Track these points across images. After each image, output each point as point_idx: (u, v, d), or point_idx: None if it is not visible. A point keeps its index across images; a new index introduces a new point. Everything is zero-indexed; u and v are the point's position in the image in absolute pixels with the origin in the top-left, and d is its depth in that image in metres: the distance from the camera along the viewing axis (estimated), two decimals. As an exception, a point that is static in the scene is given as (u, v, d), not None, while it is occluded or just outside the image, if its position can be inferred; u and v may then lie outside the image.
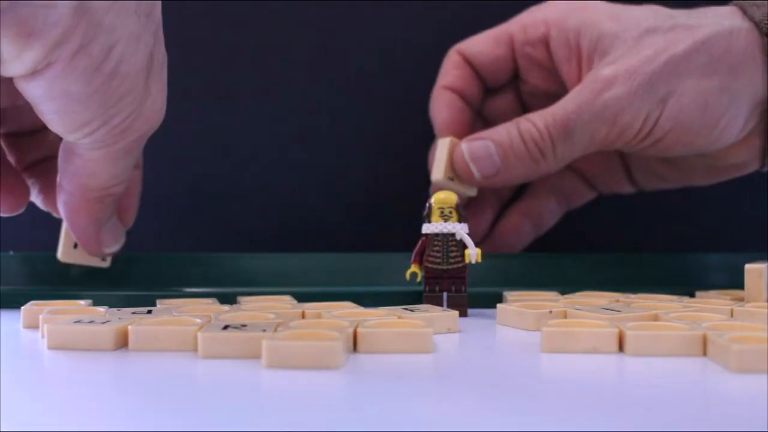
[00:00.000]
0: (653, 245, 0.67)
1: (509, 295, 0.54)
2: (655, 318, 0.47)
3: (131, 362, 0.37)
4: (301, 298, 0.52)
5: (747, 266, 0.51)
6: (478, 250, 0.51)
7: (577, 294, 0.55)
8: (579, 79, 0.57)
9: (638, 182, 0.64)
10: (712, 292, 0.56)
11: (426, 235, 0.52)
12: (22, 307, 0.47)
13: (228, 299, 0.52)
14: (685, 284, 0.58)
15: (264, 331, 0.38)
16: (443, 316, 0.45)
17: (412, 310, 0.46)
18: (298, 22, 0.70)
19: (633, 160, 0.63)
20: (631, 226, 0.70)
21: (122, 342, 0.40)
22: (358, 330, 0.39)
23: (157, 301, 0.50)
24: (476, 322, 0.49)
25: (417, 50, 0.71)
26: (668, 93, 0.54)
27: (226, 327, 0.39)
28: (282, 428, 0.27)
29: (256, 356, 0.36)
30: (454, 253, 0.51)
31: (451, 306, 0.51)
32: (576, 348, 0.39)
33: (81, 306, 0.48)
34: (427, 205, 0.52)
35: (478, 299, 0.54)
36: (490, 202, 0.64)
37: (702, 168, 0.61)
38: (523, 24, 0.60)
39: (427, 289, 0.52)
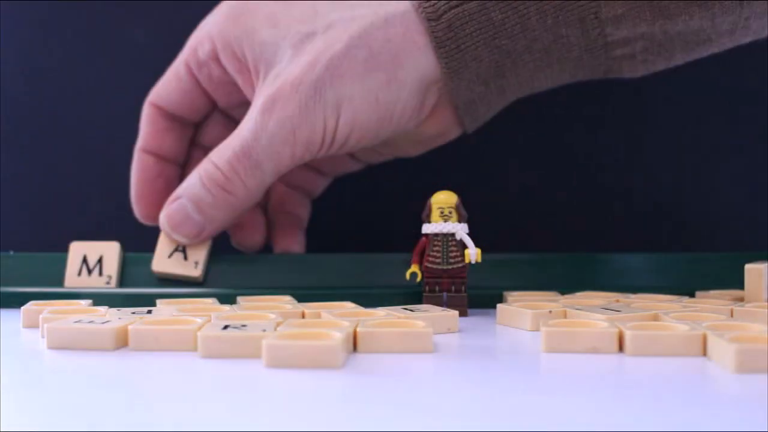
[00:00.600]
0: (653, 245, 0.67)
1: (509, 295, 0.54)
2: (655, 318, 0.47)
3: (131, 362, 0.37)
4: (301, 298, 0.52)
5: (747, 266, 0.51)
6: (478, 250, 0.51)
7: (578, 294, 0.55)
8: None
9: (361, 158, 0.63)
10: (712, 292, 0.56)
11: (426, 235, 0.52)
12: (22, 307, 0.47)
13: (228, 299, 0.52)
14: (685, 284, 0.58)
15: (264, 331, 0.38)
16: (443, 316, 0.45)
17: (412, 310, 0.46)
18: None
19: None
20: (631, 226, 0.69)
21: (122, 342, 0.40)
22: (358, 330, 0.39)
23: (157, 301, 0.50)
24: (476, 322, 0.49)
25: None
26: (338, 98, 0.52)
27: (226, 327, 0.39)
28: (281, 428, 0.27)
29: (255, 356, 0.36)
30: (454, 253, 0.51)
31: (451, 306, 0.51)
32: (576, 348, 0.39)
33: (81, 306, 0.48)
34: (427, 205, 0.52)
35: (478, 299, 0.54)
36: (254, 218, 0.62)
37: (407, 142, 0.59)
38: (192, 46, 0.58)
39: (427, 289, 0.52)
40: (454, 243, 0.51)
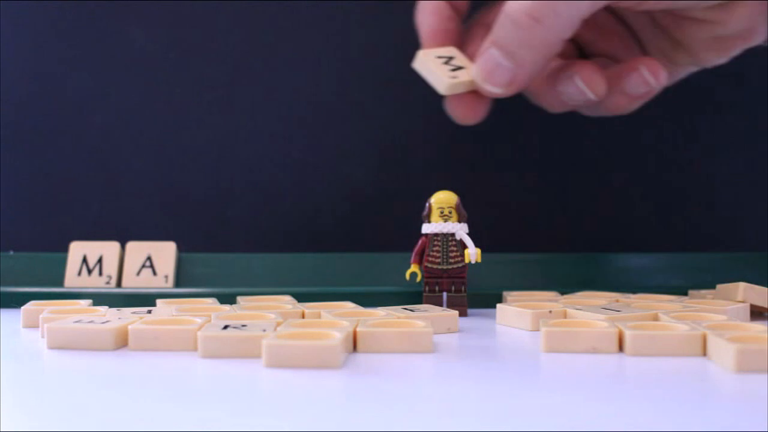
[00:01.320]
0: (653, 245, 0.67)
1: (509, 295, 0.54)
2: (655, 318, 0.47)
3: (131, 362, 0.37)
4: (301, 298, 0.52)
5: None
6: (477, 250, 0.51)
7: (577, 294, 0.55)
8: None
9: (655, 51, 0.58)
10: (704, 291, 0.55)
11: (426, 235, 0.52)
12: (22, 307, 0.47)
13: (228, 299, 0.52)
14: (685, 284, 0.58)
15: (264, 331, 0.38)
16: (443, 316, 0.45)
17: (412, 310, 0.46)
18: (300, 20, 0.70)
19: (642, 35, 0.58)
20: (630, 225, 0.69)
21: (122, 342, 0.40)
22: (358, 330, 0.39)
23: (157, 301, 0.50)
24: (476, 322, 0.49)
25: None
26: None
27: (226, 327, 0.39)
28: (281, 428, 0.27)
29: (255, 356, 0.36)
30: (454, 253, 0.51)
31: (451, 306, 0.51)
32: (576, 348, 0.39)
33: (81, 306, 0.48)
34: (427, 205, 0.52)
35: (478, 299, 0.54)
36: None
37: (707, 41, 0.55)
38: None
39: (426, 289, 0.52)
40: (453, 243, 0.51)
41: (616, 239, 0.67)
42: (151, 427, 0.27)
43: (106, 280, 0.56)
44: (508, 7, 0.50)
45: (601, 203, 0.69)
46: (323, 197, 0.69)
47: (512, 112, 0.70)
